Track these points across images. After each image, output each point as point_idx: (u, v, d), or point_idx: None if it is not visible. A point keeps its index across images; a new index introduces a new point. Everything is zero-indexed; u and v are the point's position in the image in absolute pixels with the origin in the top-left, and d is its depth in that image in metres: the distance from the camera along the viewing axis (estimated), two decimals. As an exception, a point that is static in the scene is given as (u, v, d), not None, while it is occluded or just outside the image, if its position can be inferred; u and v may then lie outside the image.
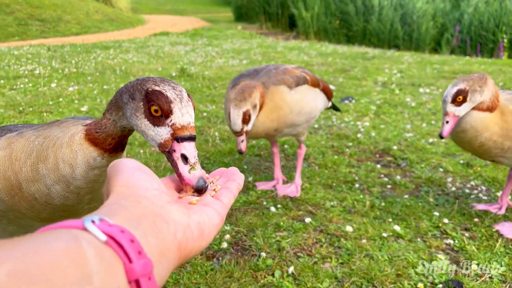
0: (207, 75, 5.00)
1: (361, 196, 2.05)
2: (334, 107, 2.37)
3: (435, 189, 2.15)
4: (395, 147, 2.67)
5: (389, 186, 2.17)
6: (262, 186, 2.16)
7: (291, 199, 2.02)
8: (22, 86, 4.32)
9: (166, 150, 0.68)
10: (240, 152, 1.74)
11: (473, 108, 1.56)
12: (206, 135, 2.92)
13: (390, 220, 1.84)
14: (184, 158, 0.65)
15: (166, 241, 0.38)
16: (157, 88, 0.70)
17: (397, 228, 1.75)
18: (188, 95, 0.72)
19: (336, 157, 2.53)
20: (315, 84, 2.00)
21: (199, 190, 0.58)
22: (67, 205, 0.83)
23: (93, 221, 0.31)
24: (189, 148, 0.66)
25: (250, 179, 2.25)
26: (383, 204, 1.98)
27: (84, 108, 3.47)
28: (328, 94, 2.13)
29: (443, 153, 2.60)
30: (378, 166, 2.42)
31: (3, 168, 0.81)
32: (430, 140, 2.80)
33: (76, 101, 3.72)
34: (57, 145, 0.80)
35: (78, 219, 0.33)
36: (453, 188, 2.15)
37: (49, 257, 0.26)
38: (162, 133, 0.69)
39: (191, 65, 5.77)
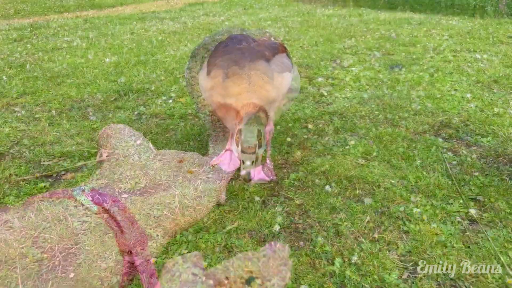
0: (245, 44, 4.78)
1: (424, 174, 1.85)
2: None
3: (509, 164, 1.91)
4: (456, 119, 2.42)
5: (454, 162, 1.95)
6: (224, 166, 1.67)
7: (345, 176, 1.84)
8: (60, 58, 4.26)
9: None
10: (247, 180, 1.33)
11: None
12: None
13: (461, 201, 1.64)
14: None
15: None
16: None
17: (472, 211, 1.55)
18: None
19: (390, 129, 2.32)
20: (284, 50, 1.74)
21: None
22: None
23: None
24: None
25: (298, 153, 2.08)
26: (449, 182, 1.77)
27: (121, 79, 3.37)
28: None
29: (511, 124, 2.33)
30: (440, 140, 2.19)
31: None
32: (496, 110, 2.53)
33: (113, 72, 3.62)
34: None
35: None
36: (529, 165, 1.91)
37: None
38: None
39: (228, 34, 5.55)
